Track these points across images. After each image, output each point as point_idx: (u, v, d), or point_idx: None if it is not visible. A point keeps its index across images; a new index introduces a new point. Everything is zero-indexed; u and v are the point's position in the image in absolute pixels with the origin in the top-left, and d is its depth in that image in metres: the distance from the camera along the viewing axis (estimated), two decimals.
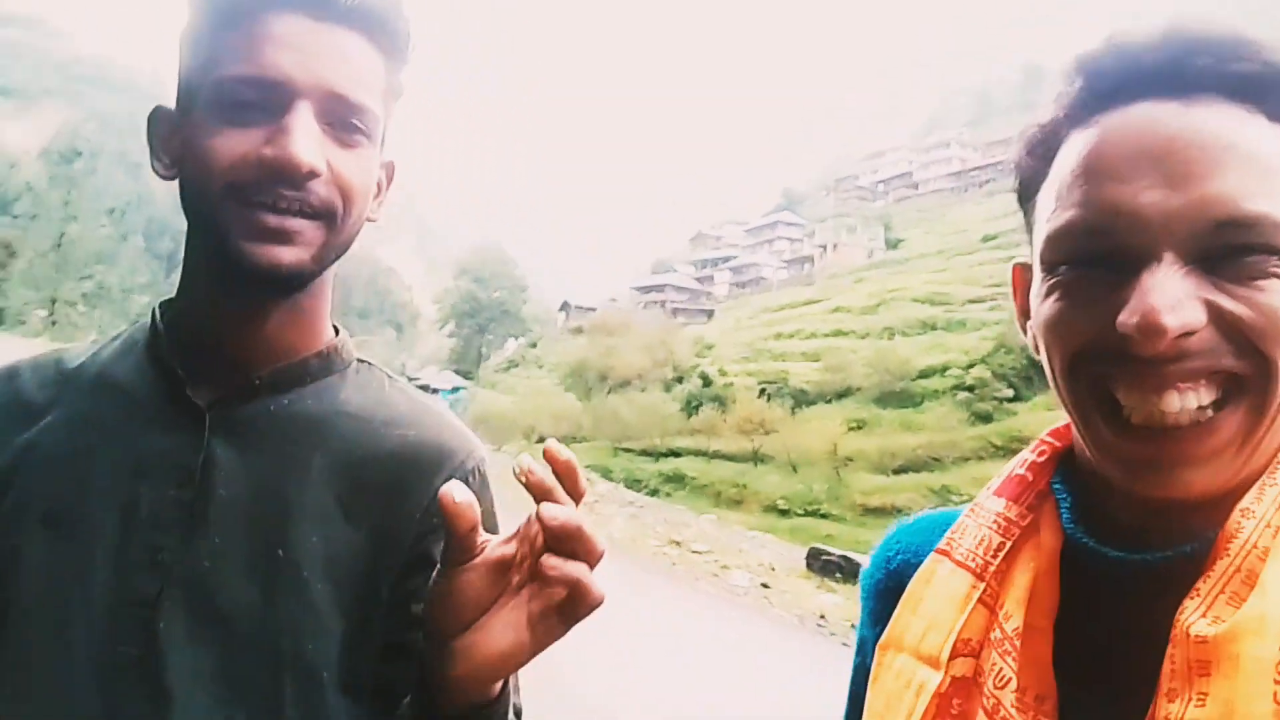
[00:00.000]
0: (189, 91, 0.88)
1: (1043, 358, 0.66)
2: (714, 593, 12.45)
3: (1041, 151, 0.68)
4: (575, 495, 0.72)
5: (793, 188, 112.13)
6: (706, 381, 50.86)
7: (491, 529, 0.91)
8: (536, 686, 0.80)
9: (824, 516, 33.37)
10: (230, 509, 0.87)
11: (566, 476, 0.72)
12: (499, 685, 0.75)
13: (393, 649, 0.89)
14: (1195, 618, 0.57)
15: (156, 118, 0.93)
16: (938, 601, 0.72)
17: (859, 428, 39.45)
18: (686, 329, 67.41)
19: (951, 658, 0.69)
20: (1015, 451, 0.79)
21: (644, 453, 43.72)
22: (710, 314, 76.93)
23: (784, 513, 33.84)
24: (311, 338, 0.97)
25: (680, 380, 56.15)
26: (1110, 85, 0.63)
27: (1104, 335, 0.59)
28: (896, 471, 35.99)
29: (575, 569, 0.69)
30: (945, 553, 0.75)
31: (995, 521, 0.73)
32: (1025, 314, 0.71)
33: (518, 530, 0.72)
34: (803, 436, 37.63)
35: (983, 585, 0.71)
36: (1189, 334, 0.56)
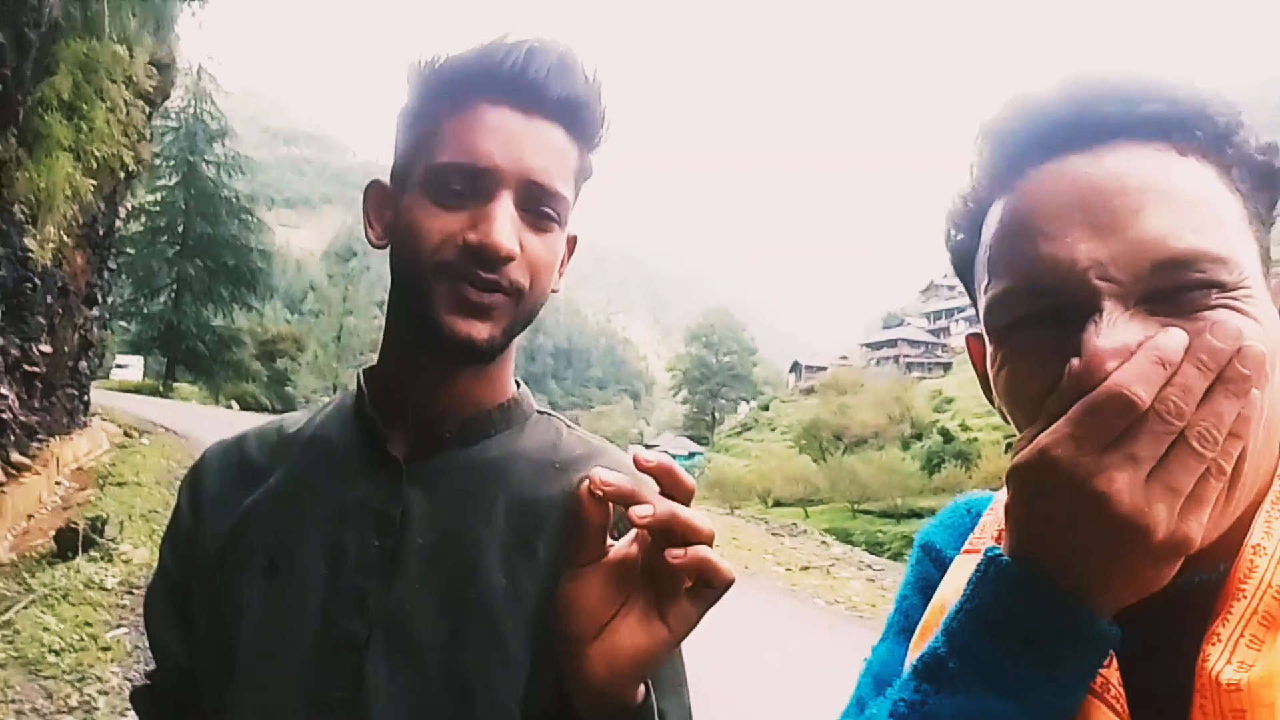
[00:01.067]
0: (404, 169, 0.95)
1: (1012, 425, 0.66)
2: None
3: (967, 224, 0.68)
4: (680, 493, 0.71)
5: None
6: (947, 437, 48.65)
7: None
8: None
9: None
10: (425, 553, 0.92)
11: (664, 478, 0.70)
12: (642, 689, 0.76)
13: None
14: (1221, 664, 0.55)
15: (372, 190, 0.99)
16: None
17: None
18: (922, 383, 65.08)
19: None
20: None
21: (884, 514, 42.26)
22: (947, 367, 73.85)
23: None
24: (496, 393, 1.02)
25: (919, 437, 53.98)
26: (1020, 147, 0.63)
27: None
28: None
29: (696, 551, 0.69)
30: (971, 551, 0.75)
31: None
32: (987, 384, 0.70)
33: (635, 532, 0.73)
34: None
35: None
36: None
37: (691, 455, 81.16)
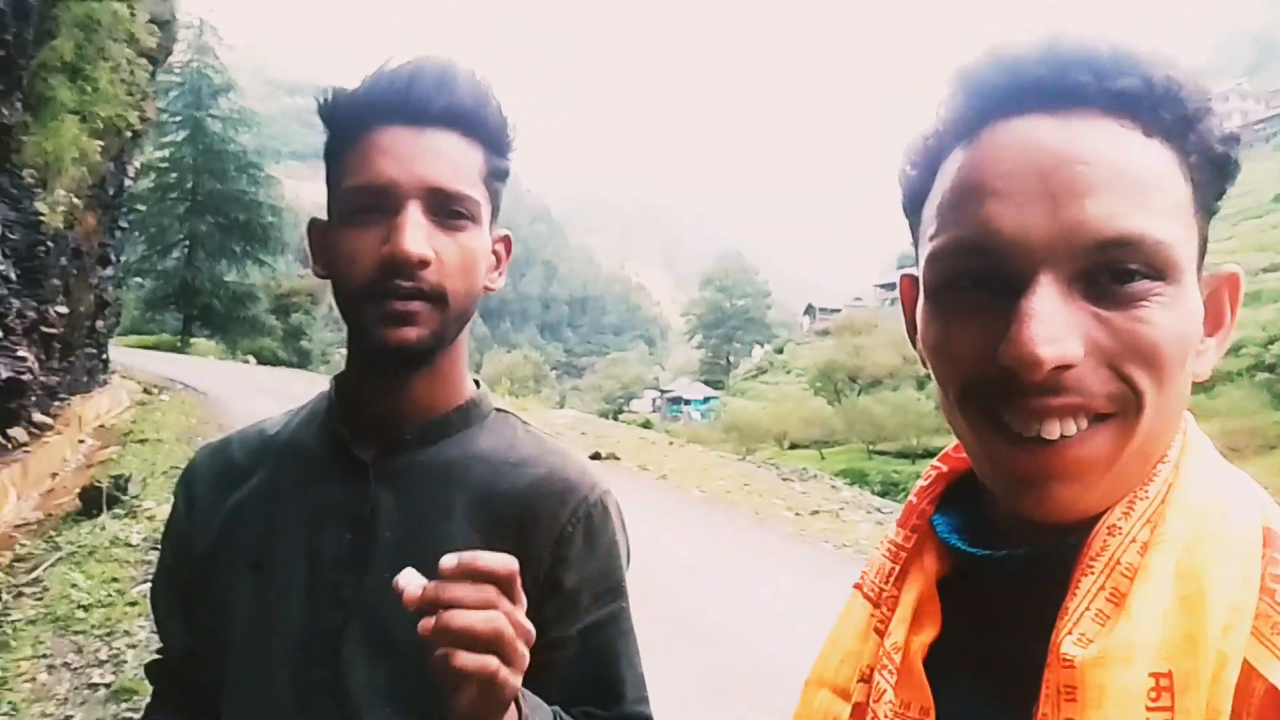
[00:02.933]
0: (329, 202, 1.02)
1: (932, 377, 0.67)
2: None
3: (924, 163, 0.67)
4: (480, 576, 0.75)
5: None
6: None
7: (614, 561, 1.05)
8: None
9: None
10: (393, 548, 0.98)
11: (462, 574, 0.75)
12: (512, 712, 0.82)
13: (534, 669, 0.96)
14: (1063, 637, 0.56)
15: (312, 228, 1.06)
16: (848, 634, 0.74)
17: (1205, 380, 35.68)
18: None
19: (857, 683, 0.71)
20: None
21: (900, 454, 42.31)
22: None
23: None
24: (451, 395, 1.08)
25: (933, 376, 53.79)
26: (991, 99, 0.62)
27: (988, 364, 0.59)
28: None
29: (474, 661, 0.74)
30: (858, 586, 0.77)
31: (889, 549, 0.75)
32: (913, 327, 0.70)
33: None
34: None
35: (878, 612, 0.72)
36: (1068, 366, 0.56)
37: (707, 400, 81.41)
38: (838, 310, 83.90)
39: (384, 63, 1.00)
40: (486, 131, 1.02)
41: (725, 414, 61.23)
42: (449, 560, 0.75)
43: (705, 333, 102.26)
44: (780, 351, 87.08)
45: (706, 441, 31.82)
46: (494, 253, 1.09)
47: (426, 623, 0.74)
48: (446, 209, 0.97)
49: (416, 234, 0.94)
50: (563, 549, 1.02)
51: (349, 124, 0.99)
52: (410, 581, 0.76)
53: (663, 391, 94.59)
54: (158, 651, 1.15)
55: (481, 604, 0.75)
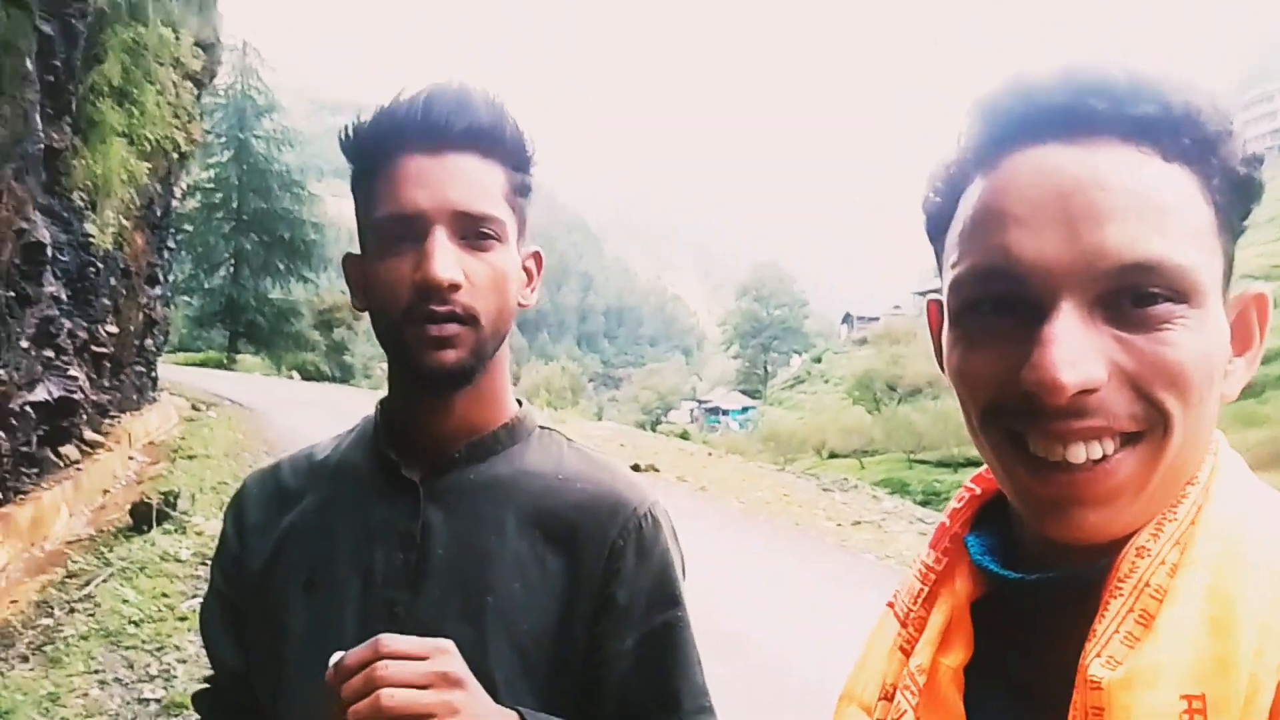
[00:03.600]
0: (361, 234, 1.05)
1: (958, 401, 0.67)
2: None
3: (947, 191, 0.69)
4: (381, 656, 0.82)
5: None
6: None
7: (667, 573, 1.06)
8: None
9: None
10: (445, 565, 1.01)
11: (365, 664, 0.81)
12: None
13: (591, 682, 1.01)
14: (1091, 659, 0.57)
15: (348, 262, 1.09)
16: (877, 652, 0.76)
17: (1234, 400, 35.04)
18: None
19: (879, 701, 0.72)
20: None
21: (941, 463, 41.78)
22: None
23: None
24: (496, 413, 1.10)
25: None
26: (1010, 128, 0.63)
27: (1010, 388, 0.60)
28: None
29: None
30: (891, 604, 0.78)
31: (920, 570, 0.76)
32: (940, 352, 0.71)
33: None
34: None
35: (905, 632, 0.73)
36: (1092, 390, 0.57)
37: (745, 410, 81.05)
38: (876, 319, 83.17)
39: (399, 92, 1.02)
40: (506, 149, 1.03)
41: (763, 424, 60.99)
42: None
43: (742, 342, 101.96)
44: (818, 361, 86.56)
45: (745, 452, 31.68)
46: (525, 269, 1.10)
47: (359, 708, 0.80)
48: (473, 231, 0.99)
49: (445, 258, 0.96)
50: (614, 563, 1.02)
51: (371, 155, 1.01)
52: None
53: (700, 402, 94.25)
54: (205, 680, 1.17)
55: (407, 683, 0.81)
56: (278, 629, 1.05)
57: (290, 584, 1.06)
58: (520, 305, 1.08)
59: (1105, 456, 0.58)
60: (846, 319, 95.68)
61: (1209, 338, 0.59)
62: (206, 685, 1.16)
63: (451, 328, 0.97)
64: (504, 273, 1.02)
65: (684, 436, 37.87)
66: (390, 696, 0.80)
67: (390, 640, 0.83)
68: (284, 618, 1.05)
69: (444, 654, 0.85)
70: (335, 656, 0.83)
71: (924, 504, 17.78)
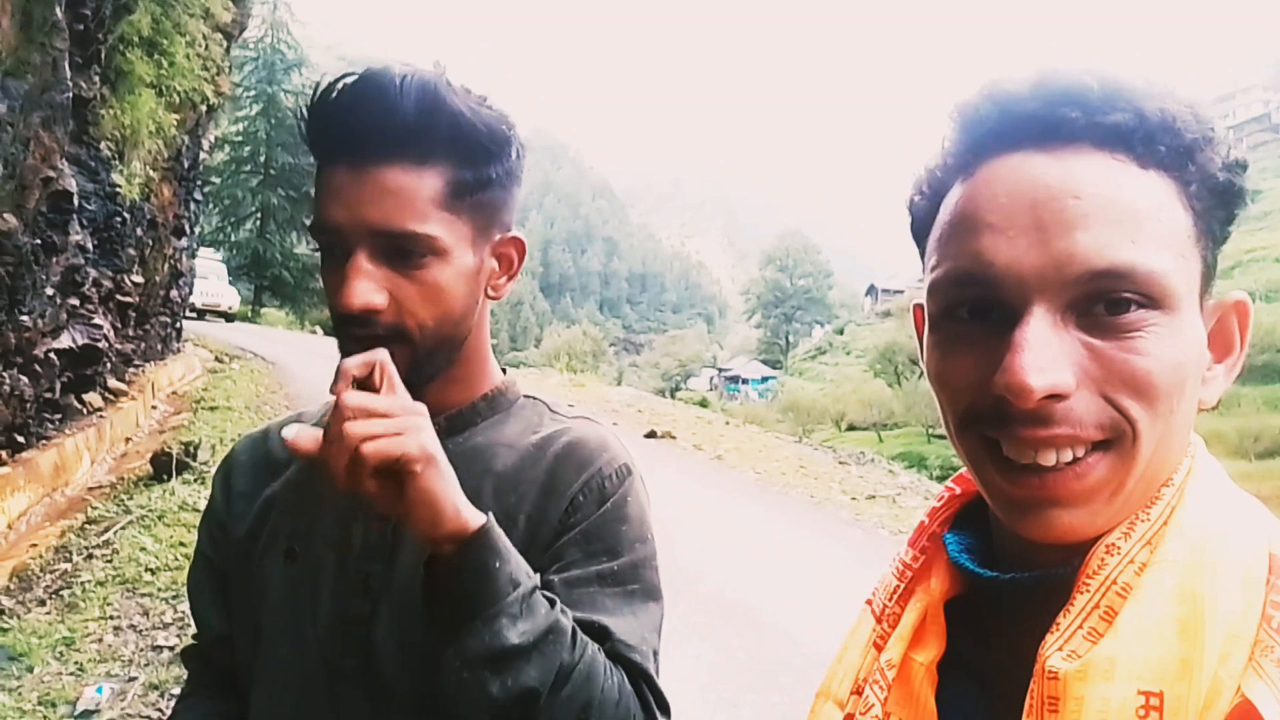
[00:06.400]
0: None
1: (937, 405, 0.68)
2: None
3: (930, 194, 0.69)
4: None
5: None
6: None
7: (614, 526, 1.04)
8: None
9: None
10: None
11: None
12: (480, 518, 0.88)
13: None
14: (1052, 651, 0.57)
15: None
16: (853, 648, 0.77)
17: (1213, 406, 34.77)
18: None
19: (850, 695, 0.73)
20: None
21: None
22: None
23: None
24: (476, 387, 1.11)
25: None
26: (986, 136, 0.64)
27: (985, 393, 0.61)
28: (1260, 456, 31.42)
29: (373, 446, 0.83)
30: (869, 602, 0.79)
31: (897, 567, 0.77)
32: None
33: None
34: None
35: (879, 628, 0.74)
36: (1060, 397, 0.57)
37: (765, 379, 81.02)
38: (900, 292, 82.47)
39: (324, 85, 0.96)
40: (446, 150, 0.96)
41: (783, 394, 60.94)
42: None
43: (765, 312, 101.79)
44: (841, 332, 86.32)
45: (763, 421, 31.70)
46: (500, 256, 1.07)
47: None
48: (398, 250, 0.95)
49: (361, 285, 0.93)
50: (570, 516, 1.03)
51: (313, 153, 0.99)
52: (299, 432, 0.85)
53: (720, 370, 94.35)
54: (193, 636, 1.19)
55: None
56: (257, 595, 1.06)
57: (271, 551, 1.07)
58: (490, 297, 1.06)
59: (1077, 459, 0.59)
60: (870, 291, 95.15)
61: (1182, 345, 0.60)
62: (195, 642, 1.18)
63: (378, 347, 0.93)
64: (438, 287, 0.97)
65: (703, 404, 37.94)
66: (370, 446, 0.82)
67: (352, 397, 0.84)
68: (264, 585, 1.06)
69: (414, 413, 0.86)
70: (290, 431, 0.86)
71: (940, 479, 17.73)
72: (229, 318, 27.17)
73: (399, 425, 0.84)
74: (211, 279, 26.62)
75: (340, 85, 0.95)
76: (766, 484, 10.68)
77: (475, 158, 0.98)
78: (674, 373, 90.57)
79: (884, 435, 45.66)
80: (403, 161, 0.94)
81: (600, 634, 0.98)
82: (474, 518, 0.88)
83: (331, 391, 0.85)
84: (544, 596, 0.91)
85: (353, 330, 0.94)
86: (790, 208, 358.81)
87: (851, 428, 48.10)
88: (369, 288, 0.93)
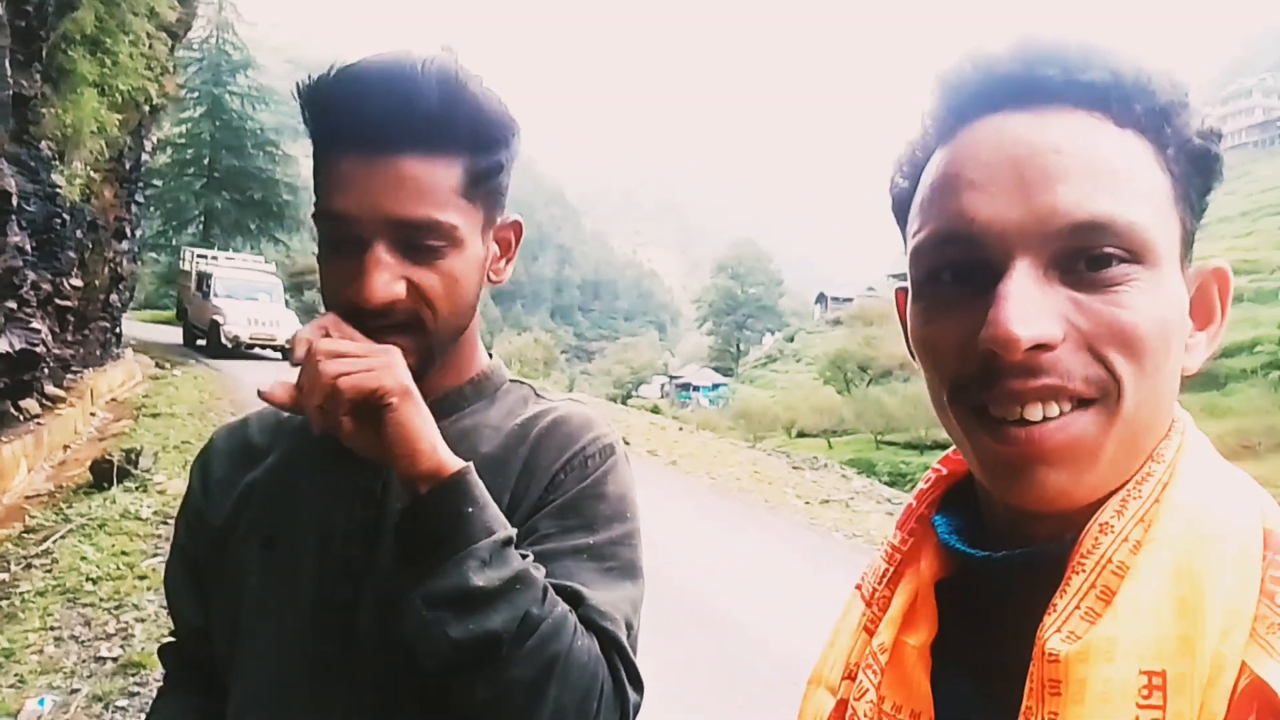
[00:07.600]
0: (315, 216, 0.98)
1: (925, 378, 0.68)
2: None
3: (910, 170, 0.70)
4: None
5: None
6: None
7: (592, 503, 1.02)
8: None
9: None
10: None
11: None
12: (454, 463, 0.89)
13: None
14: (1050, 633, 0.57)
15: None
16: (844, 634, 0.76)
17: (1194, 374, 35.53)
18: None
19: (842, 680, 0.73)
20: None
21: (909, 445, 42.26)
22: None
23: None
24: (463, 371, 1.09)
25: None
26: (967, 99, 0.65)
27: (971, 354, 0.61)
28: None
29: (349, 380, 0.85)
30: (858, 587, 0.79)
31: (885, 550, 0.76)
32: (908, 337, 0.71)
33: None
34: None
35: (869, 612, 0.74)
36: (1047, 347, 0.57)
37: (716, 387, 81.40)
38: (850, 300, 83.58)
39: (334, 73, 0.93)
40: (460, 138, 0.94)
41: (734, 401, 61.30)
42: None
43: (716, 319, 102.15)
44: (791, 340, 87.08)
45: (716, 428, 31.83)
46: (500, 240, 1.06)
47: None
48: (418, 241, 0.93)
49: (380, 278, 0.91)
50: (551, 493, 1.02)
51: (314, 139, 0.95)
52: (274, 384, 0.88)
53: (672, 377, 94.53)
54: (171, 633, 1.16)
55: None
56: (236, 583, 1.04)
57: (250, 539, 1.05)
58: (491, 281, 1.05)
59: (1063, 414, 0.59)
60: (821, 299, 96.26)
61: (1165, 302, 0.60)
62: (173, 639, 1.16)
63: (392, 337, 0.93)
64: (455, 276, 0.96)
65: (655, 411, 37.99)
66: (346, 380, 0.84)
67: (324, 343, 0.86)
68: (243, 572, 1.04)
69: (385, 352, 0.88)
70: (264, 384, 0.88)
71: (890, 484, 17.98)
72: (285, 352, 25.18)
73: (372, 362, 0.86)
74: (263, 300, 20.64)
75: (354, 71, 0.92)
76: (721, 489, 10.72)
77: (490, 144, 0.97)
78: (626, 380, 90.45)
79: (834, 442, 46.09)
80: (423, 151, 0.91)
81: (573, 598, 0.94)
82: (452, 461, 0.88)
83: (294, 364, 0.86)
84: (520, 554, 0.90)
85: (367, 322, 0.92)
86: (742, 216, 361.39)
87: (802, 434, 48.47)
88: (389, 280, 0.91)
